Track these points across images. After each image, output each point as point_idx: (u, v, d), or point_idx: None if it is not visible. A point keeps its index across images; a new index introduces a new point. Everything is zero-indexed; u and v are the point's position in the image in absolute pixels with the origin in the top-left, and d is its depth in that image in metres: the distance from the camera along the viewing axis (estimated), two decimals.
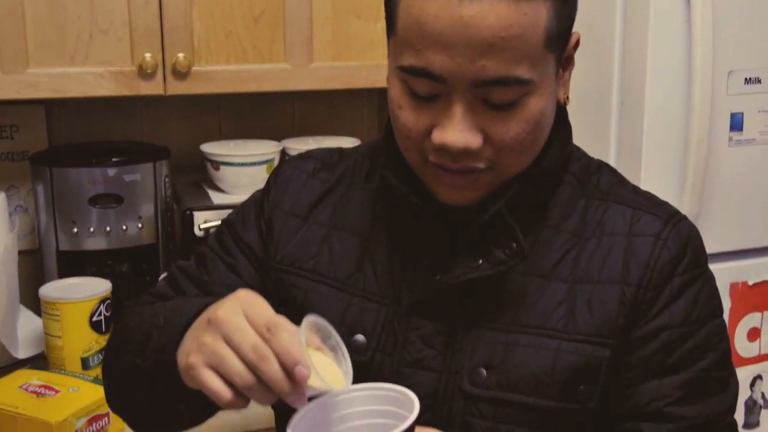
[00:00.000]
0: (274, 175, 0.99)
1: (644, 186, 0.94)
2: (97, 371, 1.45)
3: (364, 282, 0.89)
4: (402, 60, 0.78)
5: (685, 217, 0.89)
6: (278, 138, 1.84)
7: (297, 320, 0.77)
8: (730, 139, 1.40)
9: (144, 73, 1.53)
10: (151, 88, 1.55)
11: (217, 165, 1.71)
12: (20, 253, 1.59)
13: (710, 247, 0.92)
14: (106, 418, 1.34)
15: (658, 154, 1.37)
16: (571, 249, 0.86)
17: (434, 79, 0.76)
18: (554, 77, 0.80)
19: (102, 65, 1.52)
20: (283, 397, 0.70)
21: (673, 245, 0.85)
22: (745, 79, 1.39)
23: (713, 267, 0.90)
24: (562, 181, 0.89)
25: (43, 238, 1.60)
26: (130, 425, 0.93)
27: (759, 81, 1.39)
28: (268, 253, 0.94)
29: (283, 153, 1.78)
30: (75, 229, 1.57)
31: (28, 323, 1.58)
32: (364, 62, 1.68)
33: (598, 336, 0.84)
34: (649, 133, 1.38)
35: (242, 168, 1.70)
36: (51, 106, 1.76)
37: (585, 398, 0.84)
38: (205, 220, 1.61)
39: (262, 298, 0.74)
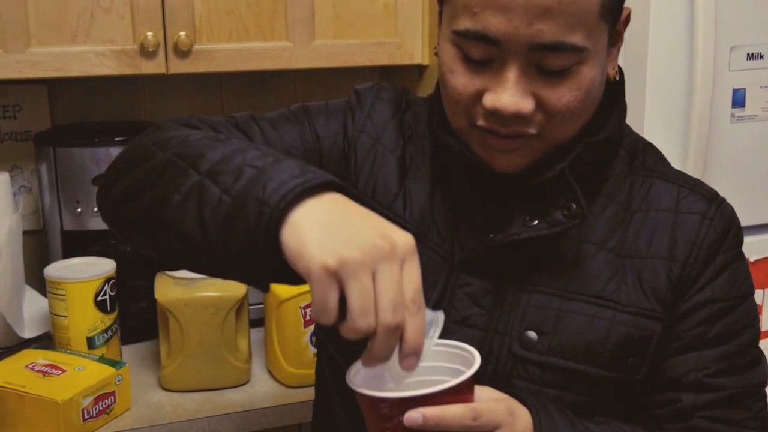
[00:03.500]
0: (357, 98, 0.97)
1: None
2: (103, 350, 1.46)
3: (433, 232, 0.90)
4: (457, 24, 0.79)
5: (724, 199, 0.91)
6: None
7: None
8: (732, 115, 1.40)
9: (146, 51, 1.52)
10: (153, 66, 1.55)
11: None
12: (24, 233, 1.59)
13: None
14: (112, 397, 1.35)
15: (659, 130, 1.37)
16: (621, 221, 0.88)
17: (490, 43, 0.77)
18: (605, 49, 0.81)
19: (104, 44, 1.51)
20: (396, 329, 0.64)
21: (719, 224, 0.88)
22: (748, 54, 1.38)
23: None
24: (618, 153, 0.91)
25: (47, 218, 1.61)
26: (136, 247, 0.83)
27: (761, 57, 1.39)
28: (348, 176, 0.94)
29: None
30: (79, 209, 1.57)
31: (34, 303, 1.59)
32: (365, 40, 1.68)
33: (652, 310, 0.86)
34: (650, 109, 1.37)
35: None
36: (54, 86, 1.76)
37: (633, 370, 0.86)
38: None
39: (418, 262, 0.67)
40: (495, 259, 0.86)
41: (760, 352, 0.91)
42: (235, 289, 1.44)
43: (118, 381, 1.37)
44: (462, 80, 0.81)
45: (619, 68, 0.90)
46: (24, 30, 1.46)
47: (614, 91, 0.88)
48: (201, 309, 1.41)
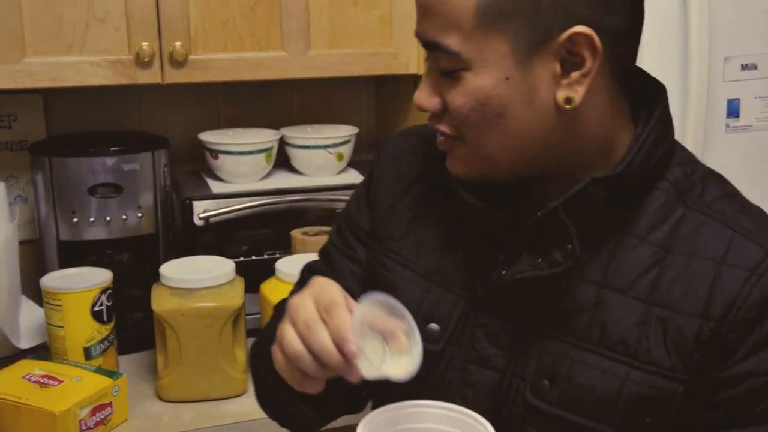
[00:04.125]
0: (377, 153, 1.00)
1: None
2: (100, 361, 1.46)
3: (446, 271, 0.88)
4: None
5: None
6: (276, 126, 1.84)
7: None
8: (727, 125, 1.41)
9: (141, 61, 1.53)
10: (149, 76, 1.55)
11: (215, 154, 1.71)
12: (20, 243, 1.59)
13: None
14: (109, 408, 1.35)
15: None
16: (654, 265, 0.80)
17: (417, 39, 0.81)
18: (514, 65, 0.75)
19: (99, 54, 1.51)
20: (338, 371, 0.74)
21: None
22: (742, 65, 1.39)
23: None
24: (655, 187, 0.82)
25: (43, 228, 1.61)
26: (278, 423, 0.98)
27: (755, 67, 1.40)
28: (373, 232, 0.96)
29: (282, 141, 1.78)
30: (75, 219, 1.57)
31: (30, 313, 1.59)
32: (361, 50, 1.68)
33: (672, 370, 0.78)
34: None
35: (241, 157, 1.70)
36: (49, 96, 1.76)
37: (651, 431, 0.79)
38: (204, 210, 1.62)
39: (334, 284, 0.77)
40: (511, 299, 0.83)
41: None
42: (232, 299, 1.44)
43: (115, 392, 1.36)
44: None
45: (660, 86, 0.85)
46: (19, 40, 1.46)
47: (649, 119, 0.82)
48: (198, 319, 1.41)
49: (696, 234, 0.80)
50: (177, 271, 1.46)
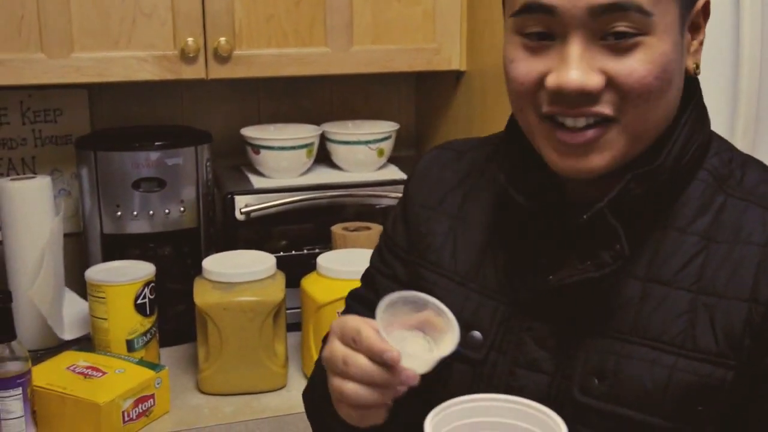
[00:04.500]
0: (413, 169, 0.99)
1: None
2: (142, 353, 1.48)
3: (484, 278, 0.87)
4: (513, 6, 0.77)
5: None
6: (317, 122, 1.84)
7: None
8: None
9: (186, 57, 1.54)
10: (193, 72, 1.56)
11: (257, 149, 1.72)
12: (65, 236, 1.61)
13: None
14: (152, 400, 1.37)
15: None
16: (698, 254, 0.79)
17: (546, 13, 0.73)
18: (678, 31, 0.76)
19: (145, 49, 1.53)
20: (395, 385, 0.75)
21: None
22: None
23: None
24: (695, 177, 0.81)
25: (87, 221, 1.63)
26: None
27: None
28: (410, 247, 0.95)
29: (322, 137, 1.78)
30: (119, 213, 1.59)
31: (74, 306, 1.61)
32: (404, 46, 1.68)
33: (720, 356, 0.77)
34: None
35: (282, 152, 1.71)
36: (93, 90, 1.78)
37: (703, 420, 0.78)
38: (245, 204, 1.63)
39: (352, 316, 0.79)
40: (557, 302, 0.82)
41: None
42: (273, 293, 1.44)
43: (158, 384, 1.38)
44: (523, 67, 0.77)
45: (695, 80, 0.83)
46: (67, 36, 1.48)
47: (687, 103, 0.81)
48: (239, 313, 1.42)
49: (739, 220, 0.79)
50: (219, 265, 1.47)
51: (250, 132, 1.75)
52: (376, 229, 1.62)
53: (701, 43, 0.81)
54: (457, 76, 1.78)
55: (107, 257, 1.60)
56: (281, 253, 1.66)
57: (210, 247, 1.67)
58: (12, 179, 1.54)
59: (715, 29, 1.34)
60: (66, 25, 1.48)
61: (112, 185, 1.59)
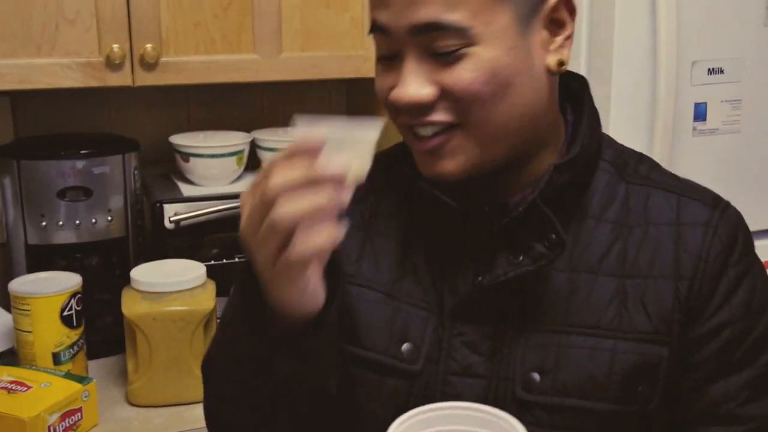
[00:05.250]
0: None
1: None
2: (69, 366, 1.45)
3: (408, 288, 0.87)
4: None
5: (728, 202, 0.86)
6: (248, 129, 1.83)
7: (347, 331, 0.82)
8: (694, 128, 1.43)
9: (112, 64, 1.51)
10: (119, 79, 1.53)
11: (186, 157, 1.70)
12: None
13: None
14: (79, 413, 1.34)
15: (623, 143, 1.39)
16: (616, 240, 0.83)
17: (382, 32, 0.77)
18: (517, 33, 0.77)
19: (69, 56, 1.50)
20: (328, 201, 0.68)
21: (724, 233, 0.82)
22: (709, 69, 1.41)
23: None
24: (598, 167, 0.86)
25: (11, 231, 1.59)
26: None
27: (722, 71, 1.42)
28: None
29: (253, 144, 1.77)
30: (44, 223, 1.56)
31: None
32: (334, 53, 1.68)
33: (656, 333, 0.81)
34: (614, 122, 1.40)
35: (211, 159, 1.69)
36: (16, 98, 1.74)
37: (645, 399, 0.81)
38: (175, 213, 1.61)
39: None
40: (488, 303, 0.83)
41: None
42: (203, 303, 1.43)
43: (85, 397, 1.35)
44: (378, 83, 0.81)
45: (582, 78, 0.88)
46: None
47: (579, 96, 0.86)
48: (169, 323, 1.40)
49: (645, 204, 0.84)
50: (147, 274, 1.45)
51: (178, 139, 1.73)
52: None
53: (568, 38, 0.81)
54: None
55: (32, 269, 1.56)
56: (212, 262, 1.64)
57: (139, 257, 1.64)
58: None
59: (631, 33, 1.39)
60: None
61: (37, 195, 1.55)
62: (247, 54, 1.62)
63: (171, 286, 1.42)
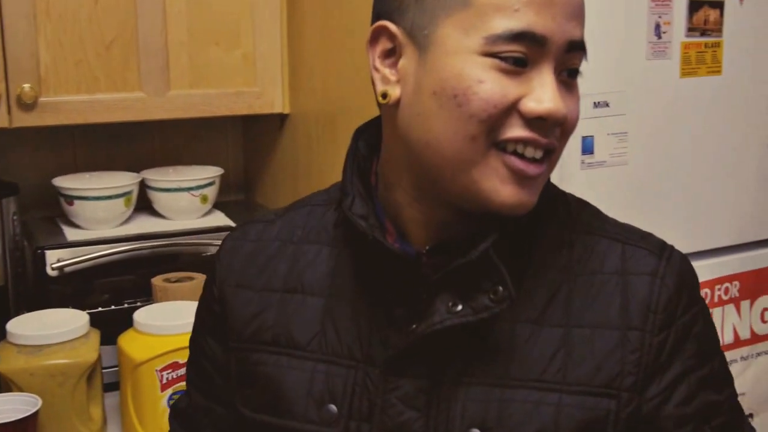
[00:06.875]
0: (217, 253, 0.91)
1: None
2: None
3: (327, 345, 0.81)
4: (492, 27, 0.71)
5: (673, 248, 0.83)
6: (138, 169, 1.77)
7: (267, 402, 0.80)
8: (582, 162, 1.44)
9: None
10: None
11: (70, 200, 1.63)
12: None
13: None
14: None
15: None
16: (560, 288, 0.79)
17: (534, 42, 0.71)
18: None
19: None
20: None
21: (671, 282, 0.79)
22: (594, 103, 1.42)
23: None
24: (540, 218, 0.81)
25: None
26: None
27: (607, 104, 1.43)
28: (226, 336, 0.87)
29: (143, 184, 1.71)
30: None
31: None
32: (224, 90, 1.65)
33: (603, 386, 0.76)
34: None
35: (97, 202, 1.63)
36: None
37: None
38: (58, 259, 1.53)
39: None
40: (423, 354, 0.77)
41: (740, 411, 0.84)
42: (86, 354, 1.36)
43: None
44: (498, 89, 0.71)
45: None
46: None
47: None
48: (48, 378, 1.32)
49: (590, 253, 0.80)
50: (24, 326, 1.37)
51: (62, 182, 1.66)
52: (200, 278, 1.56)
53: None
54: (281, 119, 1.76)
55: None
56: (100, 309, 1.57)
57: (21, 307, 1.56)
58: None
59: None
60: None
61: None
62: (133, 92, 1.58)
63: (49, 338, 1.35)
